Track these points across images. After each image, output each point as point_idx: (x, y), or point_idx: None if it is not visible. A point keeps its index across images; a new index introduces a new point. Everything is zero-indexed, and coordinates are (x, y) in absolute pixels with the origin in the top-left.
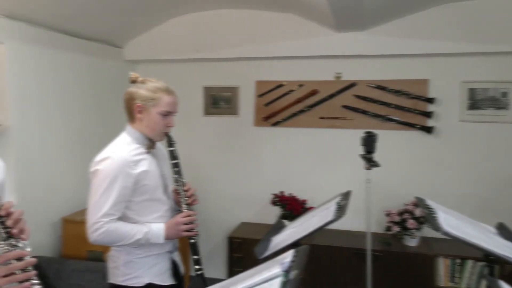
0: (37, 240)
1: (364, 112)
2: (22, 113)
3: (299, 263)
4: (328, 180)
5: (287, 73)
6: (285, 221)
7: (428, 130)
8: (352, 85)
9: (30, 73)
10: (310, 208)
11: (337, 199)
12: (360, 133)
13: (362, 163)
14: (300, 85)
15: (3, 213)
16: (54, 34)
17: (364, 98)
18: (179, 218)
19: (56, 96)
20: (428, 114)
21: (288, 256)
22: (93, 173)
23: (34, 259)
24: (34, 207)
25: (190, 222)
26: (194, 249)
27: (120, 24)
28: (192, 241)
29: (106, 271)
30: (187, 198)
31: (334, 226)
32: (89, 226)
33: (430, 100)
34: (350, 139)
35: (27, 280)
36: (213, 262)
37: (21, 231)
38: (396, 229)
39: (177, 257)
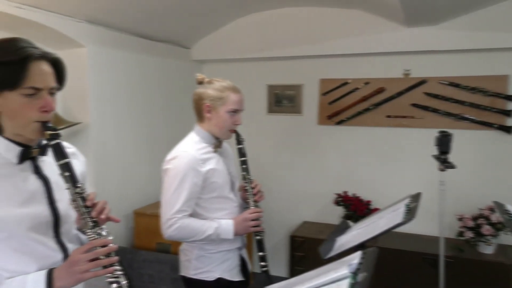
0: (112, 231)
1: (434, 110)
2: (99, 111)
3: (367, 265)
4: (394, 181)
5: (352, 70)
6: (350, 222)
7: (508, 129)
8: (422, 82)
9: (107, 74)
10: (375, 210)
11: (406, 201)
12: (430, 133)
13: (431, 163)
14: (366, 83)
15: (89, 203)
16: (128, 37)
17: (435, 96)
18: (247, 214)
19: (129, 95)
20: (507, 113)
21: (356, 257)
22: (165, 171)
23: (116, 246)
24: (109, 199)
25: (257, 219)
26: (260, 246)
27: (189, 26)
28: (258, 237)
29: (174, 263)
30: (254, 195)
31: (401, 229)
32: (164, 223)
33: (511, 98)
34: (419, 138)
35: (111, 265)
36: (274, 260)
37: (105, 220)
38: (469, 235)
39: (245, 254)
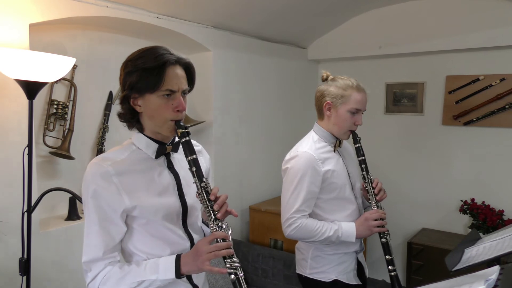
0: (229, 225)
1: None
2: (221, 111)
3: (507, 282)
4: None
5: (485, 66)
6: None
7: None
8: None
9: (229, 75)
10: (510, 221)
11: None
12: None
13: None
14: (502, 79)
15: (212, 197)
16: (248, 39)
17: None
18: (368, 214)
19: (248, 95)
20: None
21: (494, 272)
22: (284, 171)
23: (230, 242)
24: (227, 194)
25: (380, 219)
26: (387, 248)
27: (306, 27)
28: (384, 240)
29: (287, 260)
30: (375, 195)
31: None
32: (284, 222)
33: None
34: None
35: (229, 257)
36: None
37: (226, 213)
38: None
39: (362, 258)
